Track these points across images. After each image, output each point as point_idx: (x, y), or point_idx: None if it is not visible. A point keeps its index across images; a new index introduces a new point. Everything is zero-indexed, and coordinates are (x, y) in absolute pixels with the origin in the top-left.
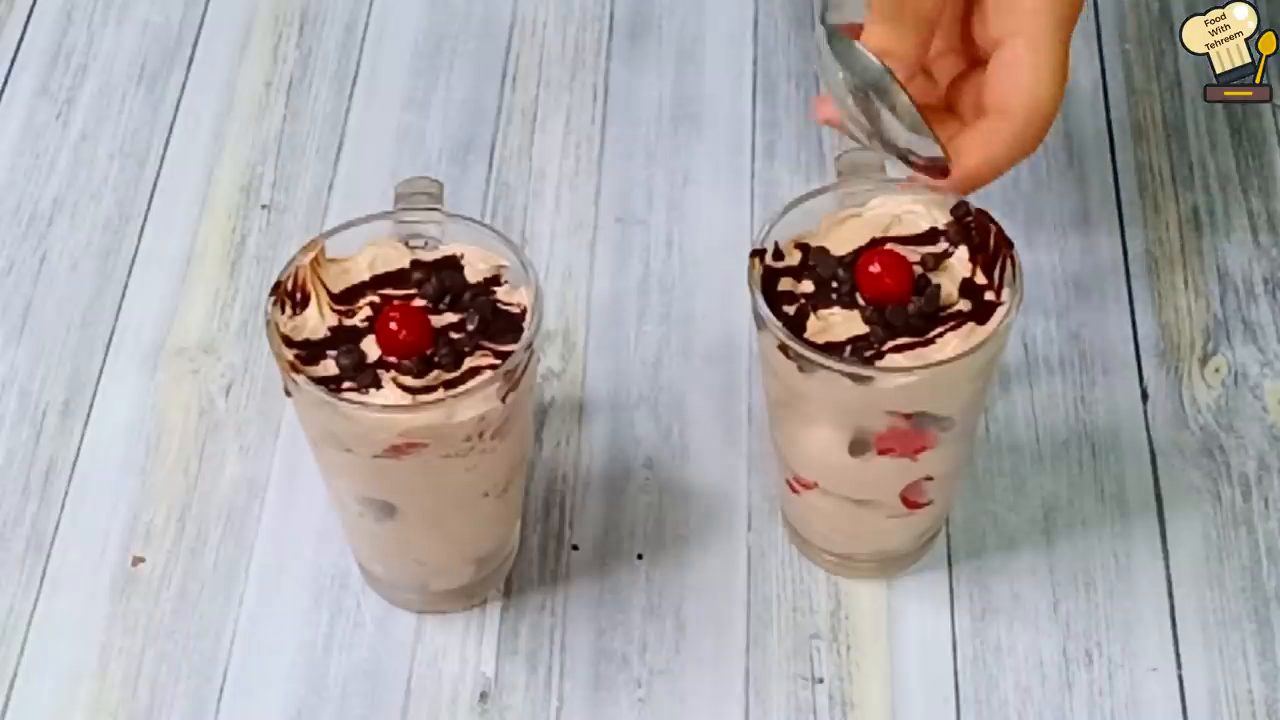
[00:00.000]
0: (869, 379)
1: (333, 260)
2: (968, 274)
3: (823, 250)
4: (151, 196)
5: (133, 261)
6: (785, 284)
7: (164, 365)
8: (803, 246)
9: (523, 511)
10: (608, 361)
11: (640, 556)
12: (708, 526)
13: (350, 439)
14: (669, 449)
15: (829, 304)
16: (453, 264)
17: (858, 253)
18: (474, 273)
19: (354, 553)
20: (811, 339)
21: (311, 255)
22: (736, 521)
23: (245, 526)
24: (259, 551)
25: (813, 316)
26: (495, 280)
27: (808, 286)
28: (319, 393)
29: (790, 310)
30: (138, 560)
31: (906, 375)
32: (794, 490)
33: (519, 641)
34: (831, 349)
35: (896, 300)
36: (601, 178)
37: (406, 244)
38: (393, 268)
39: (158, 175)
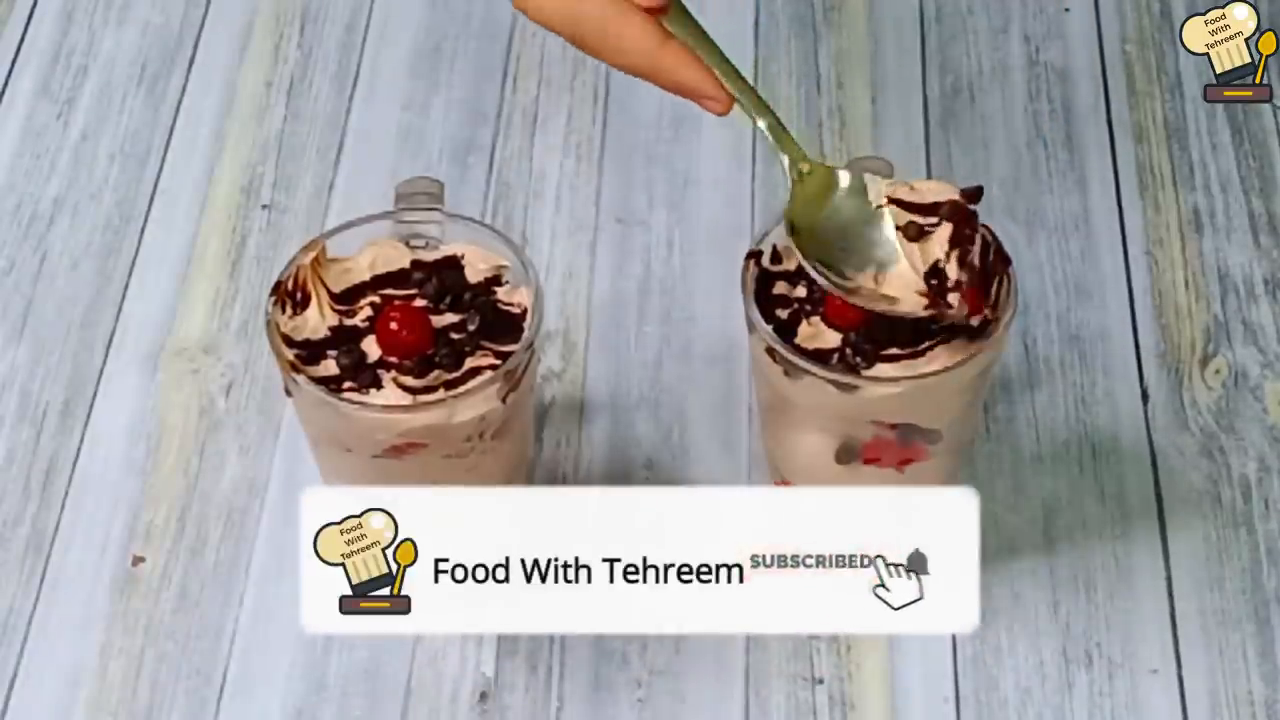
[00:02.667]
0: (854, 387)
1: (333, 260)
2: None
3: None
4: (152, 197)
5: (133, 261)
6: (780, 288)
7: (164, 365)
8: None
9: None
10: (608, 362)
11: None
12: None
13: (350, 439)
14: (669, 450)
15: (821, 310)
16: (453, 264)
17: None
18: (474, 273)
19: None
20: (802, 344)
21: (312, 255)
22: None
23: (245, 526)
24: (259, 551)
25: (804, 322)
26: (496, 280)
27: (802, 291)
28: (319, 393)
29: (783, 314)
30: (138, 560)
31: (892, 385)
32: None
33: (519, 641)
34: (819, 355)
35: (864, 325)
36: (602, 178)
37: (407, 244)
38: (393, 268)
39: (158, 175)
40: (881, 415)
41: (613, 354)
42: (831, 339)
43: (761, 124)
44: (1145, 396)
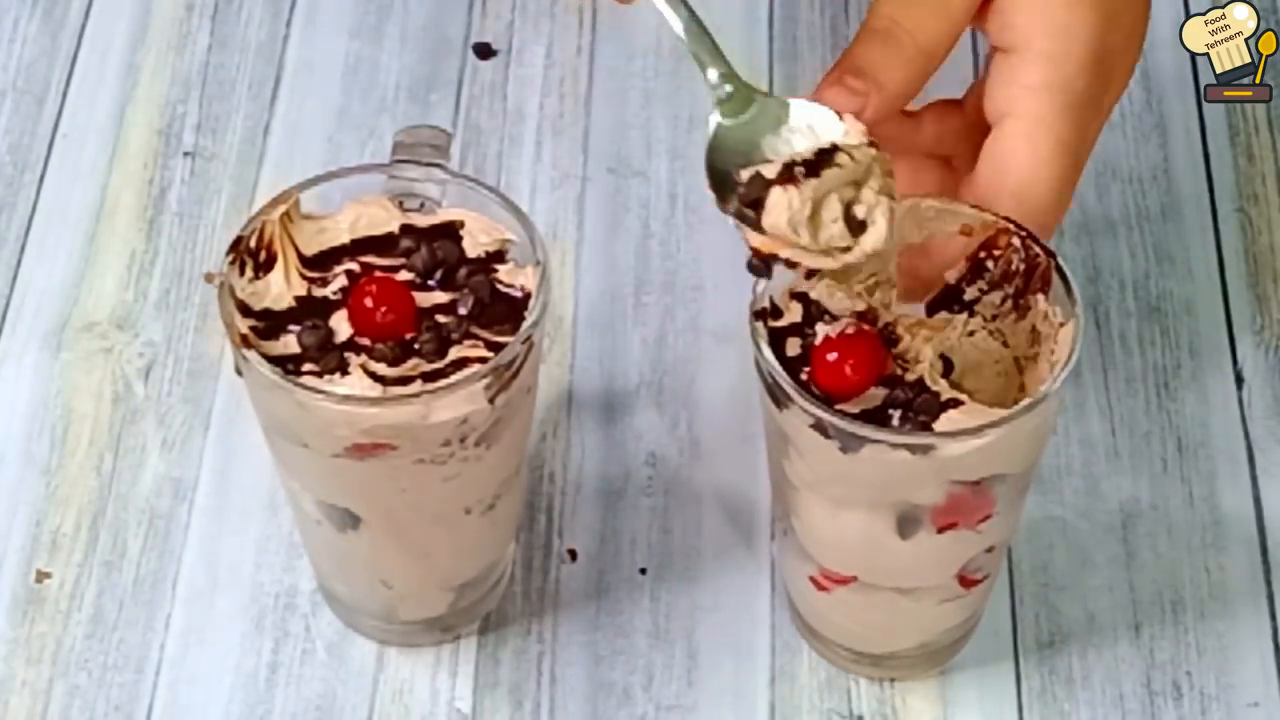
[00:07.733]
0: (929, 447)
1: (307, 217)
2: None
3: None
4: (52, 142)
5: (29, 219)
6: (793, 347)
7: (70, 343)
8: (800, 297)
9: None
10: (601, 339)
11: (644, 571)
12: (723, 535)
13: (307, 433)
14: (675, 443)
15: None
16: (450, 232)
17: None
18: (474, 245)
19: (312, 565)
20: (844, 409)
21: (282, 209)
22: (757, 528)
23: (171, 535)
24: (187, 565)
25: None
26: (499, 257)
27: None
28: (270, 374)
29: (805, 377)
30: (42, 576)
31: (978, 437)
32: (821, 588)
33: (500, 671)
34: (873, 418)
35: (860, 391)
36: (590, 120)
37: (400, 205)
38: (379, 231)
39: (58, 116)
40: (963, 473)
41: (606, 329)
42: (872, 396)
43: (677, 25)
44: (1239, 380)
